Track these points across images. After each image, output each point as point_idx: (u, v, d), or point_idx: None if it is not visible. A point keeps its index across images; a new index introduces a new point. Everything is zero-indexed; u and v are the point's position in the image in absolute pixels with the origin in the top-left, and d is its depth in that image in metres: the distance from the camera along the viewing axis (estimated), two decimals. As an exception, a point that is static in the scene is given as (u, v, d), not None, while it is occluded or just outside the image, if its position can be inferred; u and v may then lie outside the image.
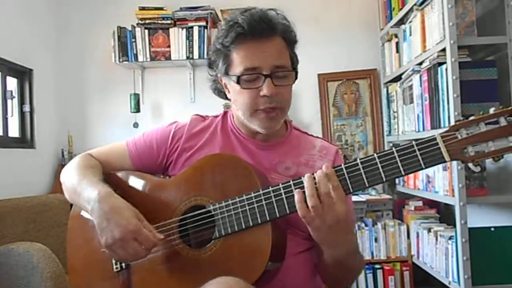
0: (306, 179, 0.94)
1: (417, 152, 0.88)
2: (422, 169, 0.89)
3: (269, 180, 1.08)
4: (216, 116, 1.25)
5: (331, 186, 0.91)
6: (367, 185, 0.92)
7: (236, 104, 1.14)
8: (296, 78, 1.13)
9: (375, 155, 0.92)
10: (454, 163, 1.99)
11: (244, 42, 1.08)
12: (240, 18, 1.07)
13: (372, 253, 2.86)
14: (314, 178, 0.93)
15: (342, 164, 0.94)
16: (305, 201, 0.92)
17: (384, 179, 0.91)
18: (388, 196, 3.02)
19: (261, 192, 0.98)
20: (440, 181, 2.21)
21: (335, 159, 1.19)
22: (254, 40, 1.07)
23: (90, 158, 1.22)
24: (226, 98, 1.22)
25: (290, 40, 1.13)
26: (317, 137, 1.26)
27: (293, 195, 0.95)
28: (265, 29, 1.07)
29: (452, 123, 0.90)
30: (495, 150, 0.85)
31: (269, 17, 1.09)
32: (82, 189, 1.09)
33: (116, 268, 1.11)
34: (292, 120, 1.28)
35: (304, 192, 0.93)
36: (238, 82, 1.08)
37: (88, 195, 1.06)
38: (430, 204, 2.77)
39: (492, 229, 2.02)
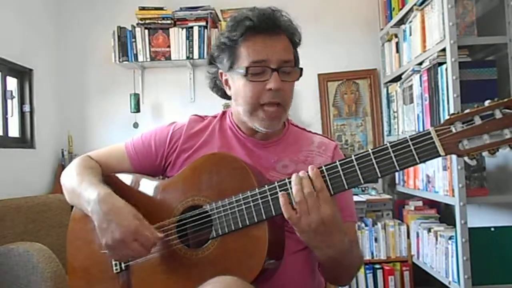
0: (293, 178, 0.94)
1: (412, 147, 0.88)
2: (417, 163, 0.88)
3: (267, 179, 1.08)
4: (215, 116, 1.24)
5: (314, 188, 0.92)
6: (362, 182, 0.92)
7: (237, 99, 1.14)
8: (300, 75, 1.14)
9: (370, 150, 0.91)
10: (454, 163, 1.99)
11: (253, 36, 1.09)
12: (250, 13, 1.10)
13: (372, 253, 2.85)
14: (301, 178, 0.94)
15: (337, 161, 0.93)
16: (290, 203, 0.93)
17: (379, 175, 0.90)
18: (388, 196, 3.01)
19: (257, 191, 0.98)
20: (440, 181, 2.21)
21: (334, 155, 1.19)
22: (263, 34, 1.09)
23: (89, 160, 1.22)
24: (225, 96, 1.22)
25: (294, 41, 1.15)
26: (316, 133, 1.26)
27: (289, 193, 0.95)
28: (274, 25, 1.09)
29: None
30: (490, 143, 0.84)
31: (277, 15, 1.11)
32: (82, 190, 1.10)
33: (116, 269, 1.11)
34: (291, 119, 1.28)
35: (289, 194, 0.94)
36: (246, 74, 1.08)
37: (88, 196, 1.07)
38: (430, 204, 2.77)
39: (492, 229, 2.02)
